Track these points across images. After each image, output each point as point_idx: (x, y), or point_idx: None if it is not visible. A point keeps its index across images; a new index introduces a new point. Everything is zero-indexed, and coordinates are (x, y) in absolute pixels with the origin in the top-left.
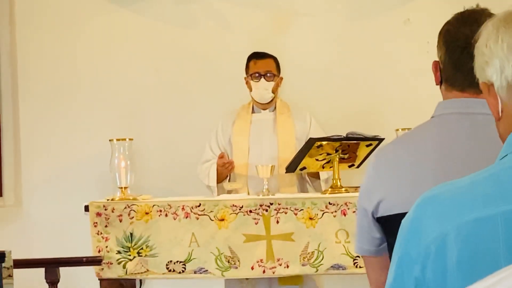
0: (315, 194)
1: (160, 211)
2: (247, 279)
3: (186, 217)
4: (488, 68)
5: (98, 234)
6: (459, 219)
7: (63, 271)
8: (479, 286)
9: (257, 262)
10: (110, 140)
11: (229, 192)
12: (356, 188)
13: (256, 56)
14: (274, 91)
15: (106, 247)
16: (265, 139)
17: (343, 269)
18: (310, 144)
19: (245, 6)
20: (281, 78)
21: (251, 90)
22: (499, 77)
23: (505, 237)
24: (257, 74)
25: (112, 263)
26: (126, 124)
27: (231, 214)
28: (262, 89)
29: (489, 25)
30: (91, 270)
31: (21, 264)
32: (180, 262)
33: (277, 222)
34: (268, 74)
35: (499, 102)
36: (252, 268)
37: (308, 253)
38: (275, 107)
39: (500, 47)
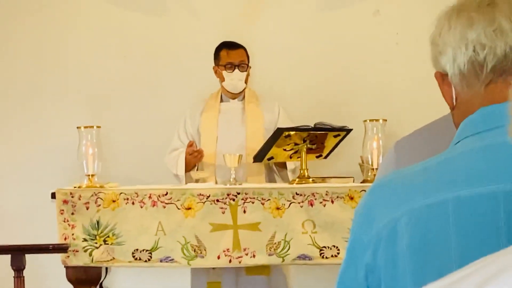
0: (283, 184)
1: (127, 199)
2: (213, 268)
3: (153, 206)
4: (441, 57)
5: (64, 221)
6: (410, 205)
7: (29, 258)
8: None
9: (224, 251)
10: (77, 128)
11: (197, 181)
12: (323, 179)
13: (227, 46)
14: (246, 81)
15: (73, 234)
16: (233, 128)
17: (309, 260)
18: (278, 134)
19: None
20: (250, 68)
21: (222, 80)
22: (452, 66)
23: (456, 222)
24: (230, 65)
25: (78, 251)
26: (94, 112)
27: (198, 203)
28: (236, 79)
29: (442, 16)
30: (57, 257)
31: None
32: (146, 250)
33: (244, 211)
34: (241, 65)
35: (453, 90)
36: (219, 258)
37: (275, 243)
38: (243, 97)
39: (453, 36)
